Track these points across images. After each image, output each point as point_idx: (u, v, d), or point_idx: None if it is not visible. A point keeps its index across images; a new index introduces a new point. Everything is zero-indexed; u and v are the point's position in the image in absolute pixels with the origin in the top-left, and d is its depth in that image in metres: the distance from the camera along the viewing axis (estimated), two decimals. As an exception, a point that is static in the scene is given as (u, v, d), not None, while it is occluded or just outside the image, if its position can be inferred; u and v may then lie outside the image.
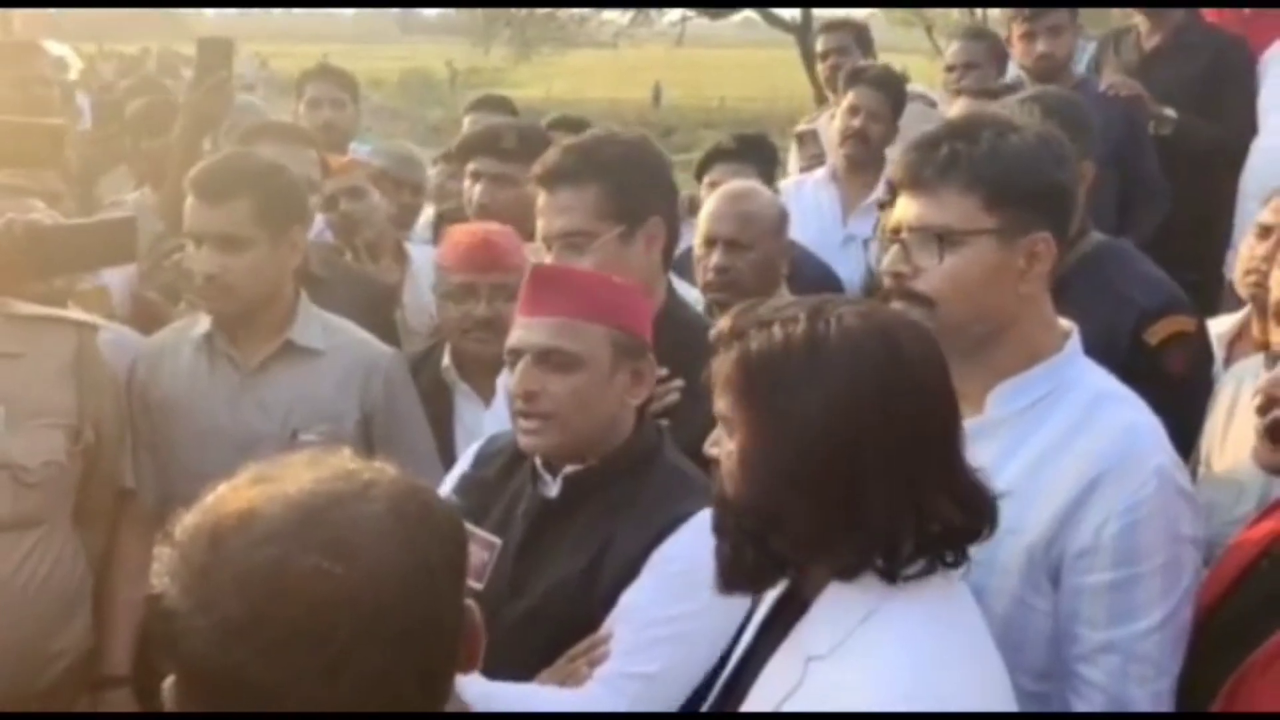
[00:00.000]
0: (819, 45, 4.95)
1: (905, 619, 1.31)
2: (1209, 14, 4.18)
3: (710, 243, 2.77)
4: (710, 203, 2.85)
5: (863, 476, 1.31)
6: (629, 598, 1.77)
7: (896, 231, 1.70)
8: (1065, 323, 1.77)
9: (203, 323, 2.43)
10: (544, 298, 1.87)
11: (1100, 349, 2.09)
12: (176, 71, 13.80)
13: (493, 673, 1.80)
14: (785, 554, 1.37)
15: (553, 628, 1.81)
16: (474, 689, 1.78)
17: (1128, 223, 3.31)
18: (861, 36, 4.93)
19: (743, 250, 2.75)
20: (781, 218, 2.86)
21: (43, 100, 3.46)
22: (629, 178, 2.19)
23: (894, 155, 2.73)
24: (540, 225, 2.22)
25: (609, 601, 1.78)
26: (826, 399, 1.32)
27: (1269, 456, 1.71)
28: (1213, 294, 3.48)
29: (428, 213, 3.89)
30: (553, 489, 1.88)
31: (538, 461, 1.91)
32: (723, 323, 1.44)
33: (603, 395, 1.85)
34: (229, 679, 0.93)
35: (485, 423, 2.50)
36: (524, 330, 1.88)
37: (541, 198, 2.22)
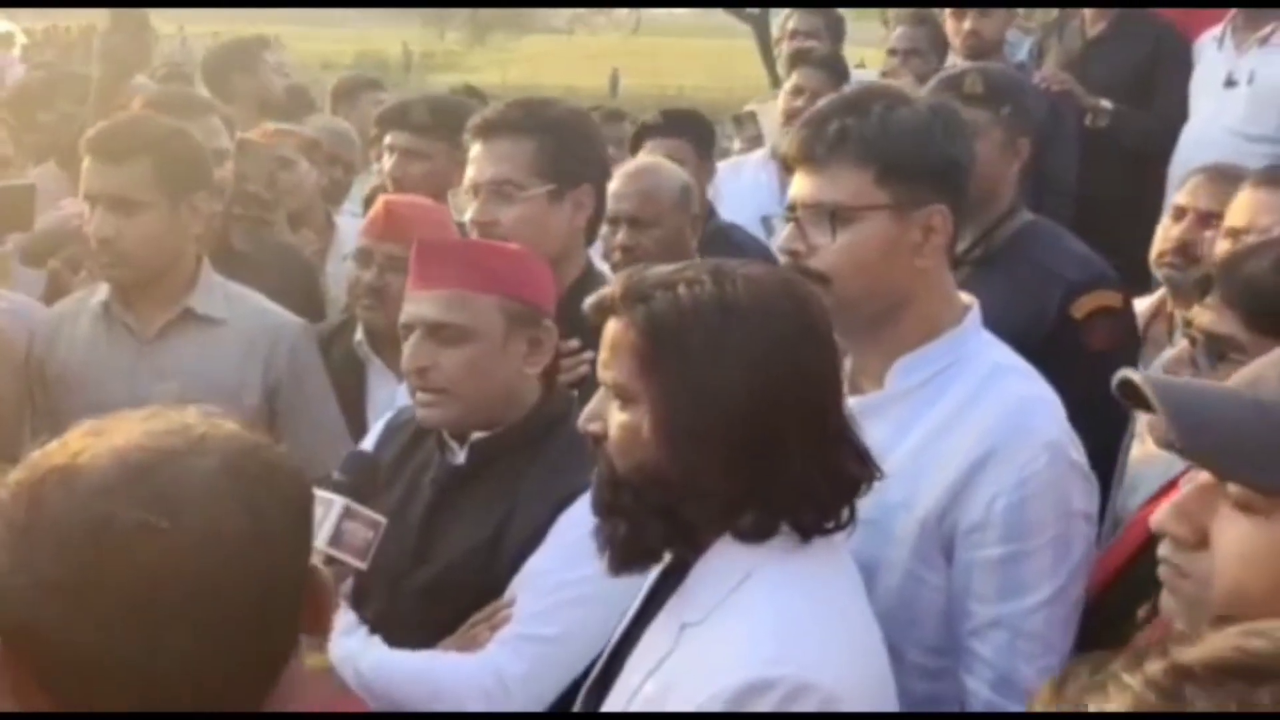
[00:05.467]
0: (790, 22, 4.85)
1: (777, 584, 1.30)
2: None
3: (614, 221, 2.76)
4: (613, 181, 2.84)
5: (780, 434, 1.31)
6: (531, 564, 1.77)
7: (792, 209, 1.68)
8: (965, 296, 1.76)
9: (101, 291, 2.36)
10: (432, 270, 1.85)
11: (1028, 323, 2.10)
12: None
13: (397, 642, 1.80)
14: (697, 523, 1.35)
15: (458, 596, 1.80)
16: (369, 657, 1.76)
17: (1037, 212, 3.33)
18: (834, 25, 4.86)
19: (646, 227, 2.76)
20: (684, 191, 2.85)
21: None
22: (568, 140, 2.20)
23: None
24: (470, 174, 2.23)
25: (514, 569, 1.77)
26: (743, 359, 1.31)
27: (1163, 432, 1.70)
28: (1143, 279, 3.50)
29: (362, 187, 3.86)
30: (459, 456, 1.87)
31: (444, 431, 1.89)
32: (611, 289, 1.41)
33: (497, 365, 1.83)
34: (48, 643, 0.89)
35: (398, 397, 2.46)
36: (414, 304, 1.86)
37: (476, 147, 2.22)
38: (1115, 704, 0.63)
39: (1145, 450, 2.17)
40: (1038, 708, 0.68)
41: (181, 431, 0.95)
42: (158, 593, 0.88)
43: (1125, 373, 1.09)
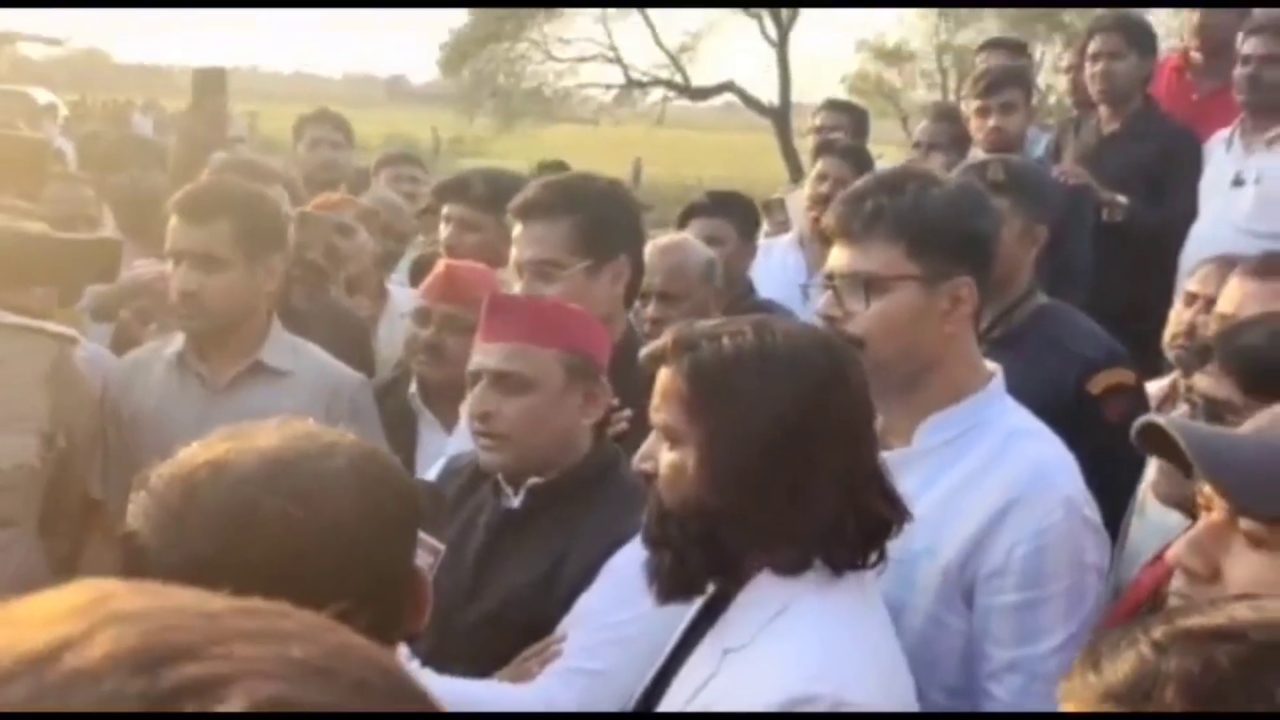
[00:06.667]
0: (816, 120, 5.08)
1: (816, 612, 1.42)
2: (1164, 101, 4.39)
3: (645, 295, 2.90)
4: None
5: (814, 474, 1.44)
6: (582, 603, 1.87)
7: (830, 278, 1.84)
8: (990, 364, 1.91)
9: (176, 341, 2.52)
10: (499, 324, 2.00)
11: (1047, 399, 2.24)
12: (163, 124, 14.00)
13: (449, 675, 1.89)
14: (734, 551, 1.47)
15: (510, 632, 1.90)
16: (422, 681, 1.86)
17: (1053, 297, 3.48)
18: (857, 121, 5.09)
19: (676, 300, 2.90)
20: (709, 265, 3.01)
21: (29, 141, 3.58)
22: (601, 216, 2.34)
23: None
24: (514, 254, 2.37)
25: (566, 608, 1.88)
26: (781, 403, 1.44)
27: (1169, 490, 1.84)
28: (1155, 364, 3.63)
29: (409, 257, 4.05)
30: (514, 500, 1.99)
31: (500, 476, 2.01)
32: (663, 339, 1.56)
33: (556, 415, 1.97)
34: None
35: (448, 449, 2.60)
36: (481, 354, 2.01)
37: (517, 229, 2.37)
38: (1125, 663, 0.76)
39: (1145, 522, 2.30)
40: (1075, 679, 0.80)
41: (313, 437, 1.10)
42: (292, 572, 1.02)
43: (1149, 417, 1.21)
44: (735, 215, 3.63)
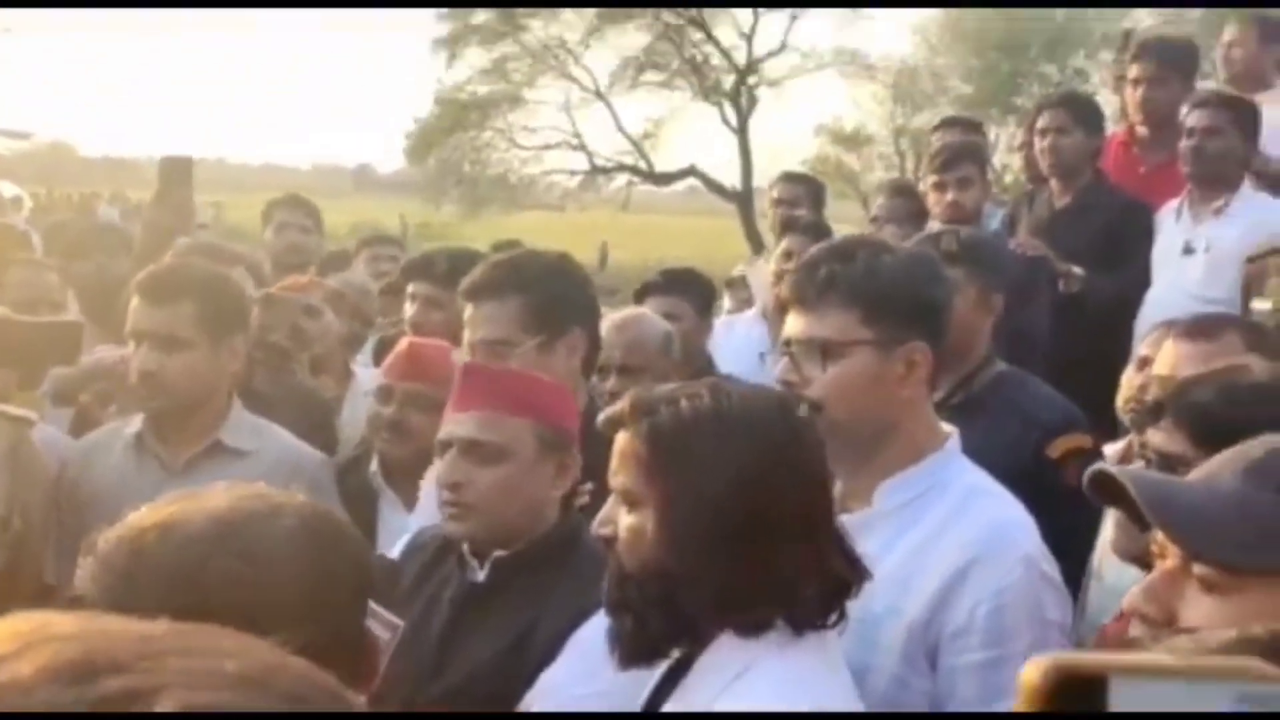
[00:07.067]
0: (774, 192, 5.16)
1: (778, 673, 1.42)
2: (1113, 174, 4.50)
3: (604, 370, 2.92)
4: (601, 331, 3.02)
5: (772, 534, 1.44)
6: (547, 677, 1.85)
7: (787, 344, 1.87)
8: (946, 426, 1.93)
9: (135, 422, 2.51)
10: (472, 392, 2.00)
11: (1007, 463, 2.26)
12: (130, 214, 14.06)
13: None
14: (695, 613, 1.47)
15: (475, 707, 1.87)
16: None
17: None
18: (814, 192, 5.19)
19: (636, 374, 2.89)
20: (667, 339, 3.04)
21: (13, 233, 3.59)
22: (550, 291, 2.35)
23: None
24: (466, 335, 2.37)
25: (531, 683, 1.85)
26: (737, 464, 1.45)
27: (1126, 545, 1.85)
28: (1113, 429, 3.67)
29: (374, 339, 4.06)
30: (479, 574, 1.97)
31: (465, 549, 2.00)
32: (620, 404, 1.57)
33: (527, 486, 1.96)
34: None
35: (410, 525, 2.58)
36: (452, 423, 2.00)
37: (468, 310, 2.37)
38: None
39: (1102, 586, 2.31)
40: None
41: (262, 497, 1.09)
42: (241, 630, 1.01)
43: (1101, 466, 1.24)
44: (690, 292, 3.67)
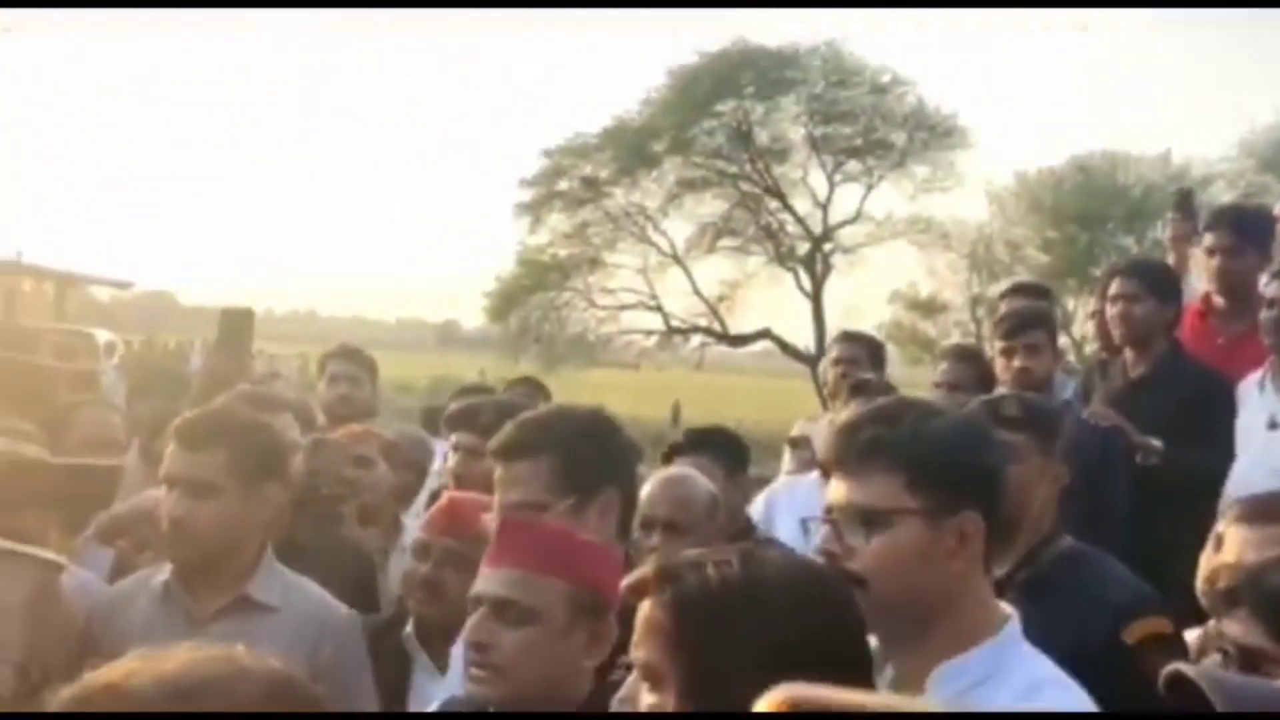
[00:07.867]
0: (833, 352, 4.97)
1: None
2: (1189, 344, 4.36)
3: (648, 526, 2.81)
4: (647, 486, 2.92)
5: None
6: None
7: (829, 511, 1.75)
8: (1005, 607, 1.78)
9: (164, 571, 2.45)
10: (507, 549, 1.91)
11: (1075, 649, 2.10)
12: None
13: None
14: None
15: None
16: None
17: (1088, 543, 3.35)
18: (874, 351, 5.01)
19: (680, 534, 2.79)
20: (714, 500, 2.94)
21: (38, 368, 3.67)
22: (581, 451, 2.25)
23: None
24: (496, 497, 2.28)
25: None
26: (767, 644, 1.33)
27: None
28: (1194, 613, 3.45)
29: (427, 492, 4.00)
30: None
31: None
32: (645, 570, 1.47)
33: (555, 652, 1.85)
34: None
35: (440, 693, 2.47)
36: (483, 580, 1.91)
37: (498, 470, 2.28)
38: None
39: None
40: None
41: (226, 661, 1.01)
42: None
43: (1176, 666, 1.11)
44: (718, 451, 3.52)
